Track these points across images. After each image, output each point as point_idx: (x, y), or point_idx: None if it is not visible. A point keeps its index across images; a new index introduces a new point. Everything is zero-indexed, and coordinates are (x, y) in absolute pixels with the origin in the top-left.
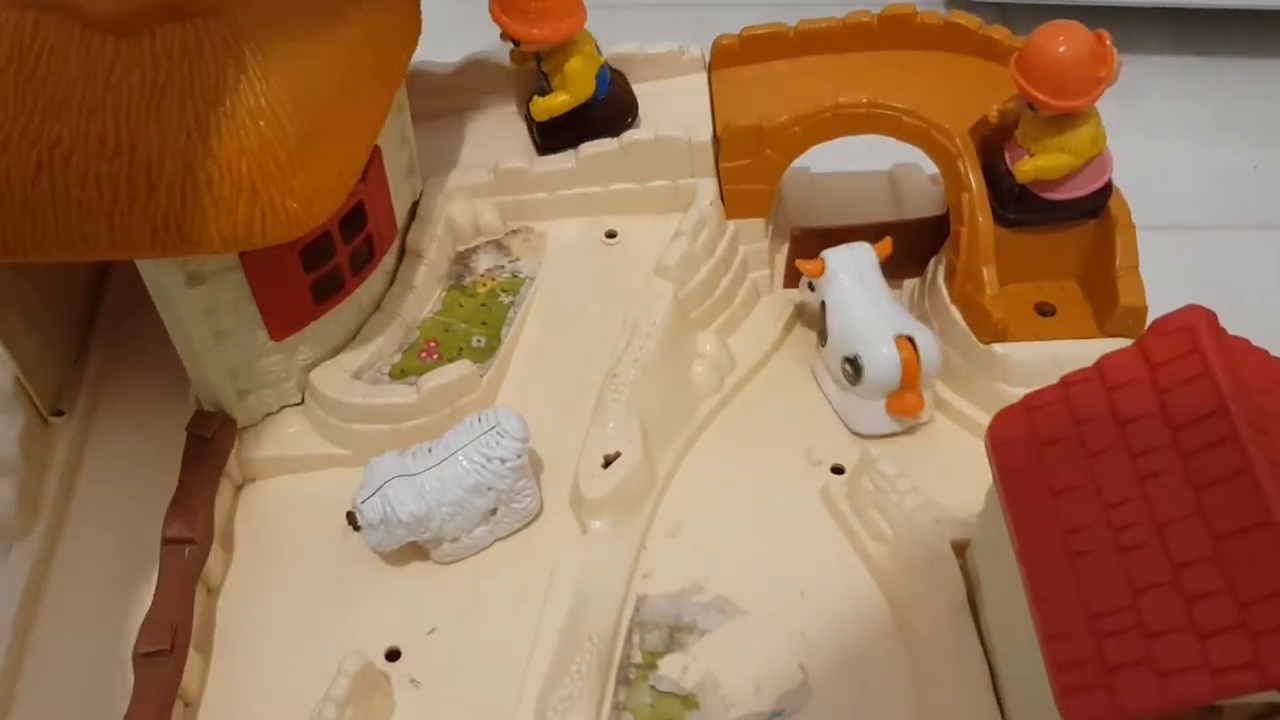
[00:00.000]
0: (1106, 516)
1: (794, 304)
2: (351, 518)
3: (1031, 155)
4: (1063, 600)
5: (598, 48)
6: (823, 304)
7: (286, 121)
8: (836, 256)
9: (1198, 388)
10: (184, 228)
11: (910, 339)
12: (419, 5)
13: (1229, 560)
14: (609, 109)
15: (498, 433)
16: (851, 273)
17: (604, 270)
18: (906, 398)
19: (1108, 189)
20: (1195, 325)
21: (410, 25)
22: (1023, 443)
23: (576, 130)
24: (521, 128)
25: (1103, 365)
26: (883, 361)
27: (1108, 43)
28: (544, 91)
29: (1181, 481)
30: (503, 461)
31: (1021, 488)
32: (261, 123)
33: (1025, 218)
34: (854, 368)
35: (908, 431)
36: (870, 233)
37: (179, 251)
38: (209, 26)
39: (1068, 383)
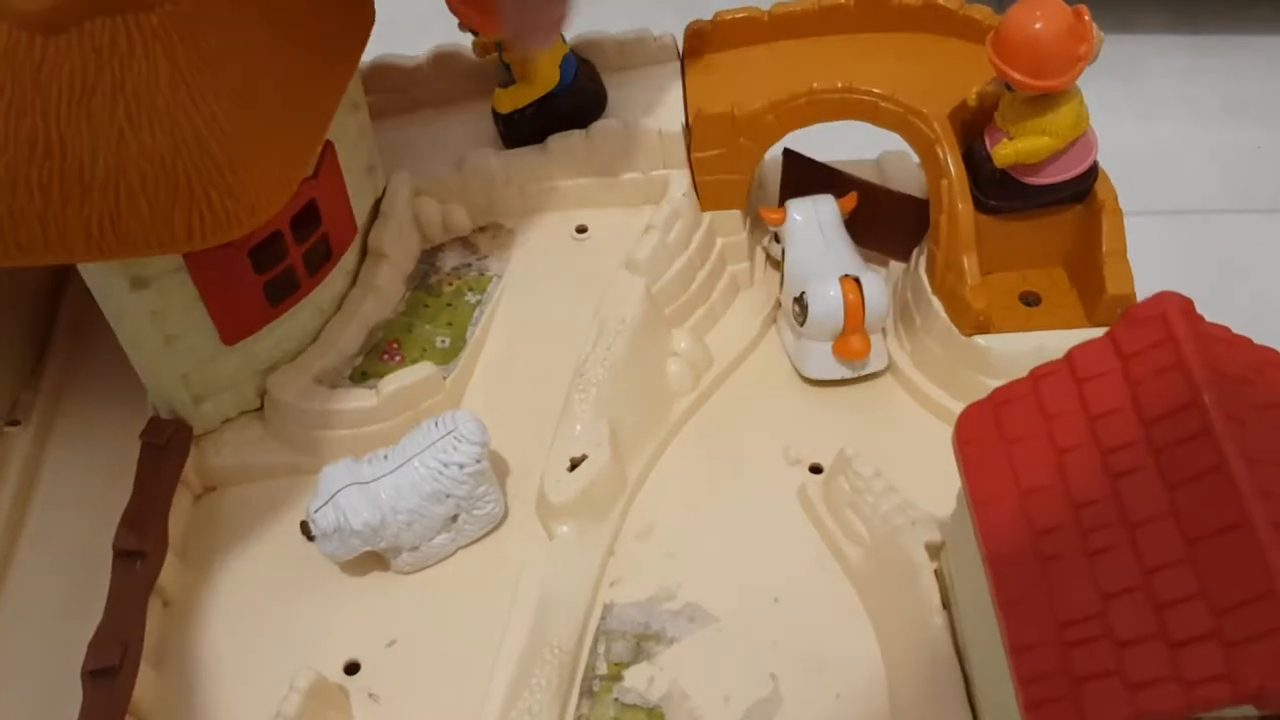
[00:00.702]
0: (1076, 518)
1: (774, 297)
2: (305, 527)
3: (1011, 138)
4: (1031, 608)
5: (563, 36)
6: (783, 251)
7: (224, 118)
8: (798, 204)
9: (1171, 379)
10: (120, 231)
11: (856, 280)
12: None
13: (1202, 564)
14: (576, 99)
15: (455, 437)
16: (811, 220)
17: (574, 267)
18: (851, 340)
19: (1093, 172)
20: (1169, 313)
21: (361, 18)
22: (990, 440)
23: (543, 122)
24: (489, 121)
25: (1072, 357)
26: (827, 301)
27: (1086, 18)
28: (507, 83)
29: (1154, 479)
30: (460, 467)
31: (989, 488)
32: (197, 120)
33: (1007, 204)
34: (801, 306)
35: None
36: (860, 187)
37: (116, 255)
38: (140, 21)
39: (1036, 376)
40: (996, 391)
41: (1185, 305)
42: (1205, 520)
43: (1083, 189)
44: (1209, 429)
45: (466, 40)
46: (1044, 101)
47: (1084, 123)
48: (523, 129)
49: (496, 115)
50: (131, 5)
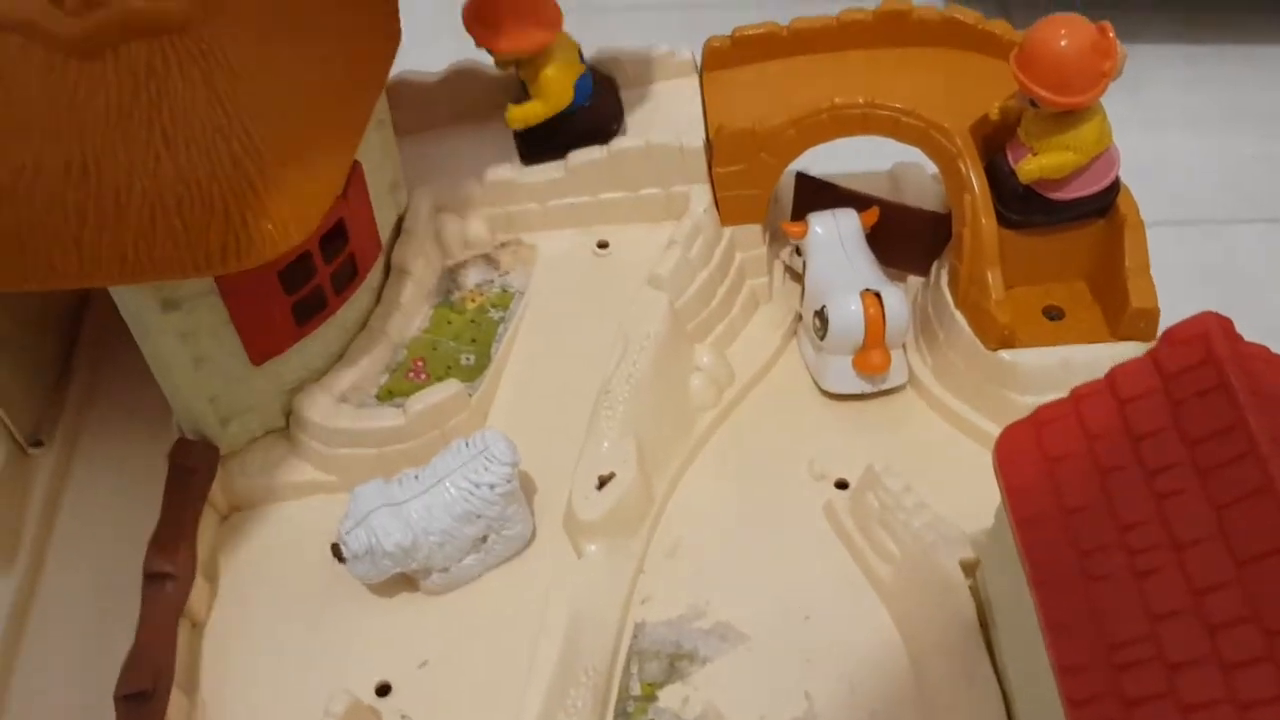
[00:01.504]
0: (1122, 538)
1: (794, 310)
2: (336, 549)
3: (1035, 154)
4: (1078, 629)
5: (580, 55)
6: (804, 264)
7: (259, 140)
8: (820, 218)
9: (1213, 400)
10: (154, 253)
11: (877, 295)
12: (398, 16)
13: (1252, 586)
14: (592, 117)
15: (486, 458)
16: (832, 233)
17: (596, 282)
18: (871, 354)
19: (1115, 187)
20: (1210, 333)
21: (388, 38)
22: (1032, 460)
23: (559, 139)
24: (509, 136)
25: (1114, 376)
26: (847, 314)
27: (1111, 35)
28: (521, 100)
29: (1200, 501)
30: (491, 488)
31: (1032, 508)
32: (233, 142)
33: (1030, 219)
34: (821, 320)
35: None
36: (872, 205)
37: (150, 278)
38: (175, 44)
39: (1078, 396)
40: (1038, 411)
41: (1226, 325)
42: (1254, 542)
43: (1105, 204)
44: (1254, 450)
45: (485, 56)
46: (1068, 117)
47: (1107, 138)
48: (538, 145)
49: (515, 131)
50: (166, 29)
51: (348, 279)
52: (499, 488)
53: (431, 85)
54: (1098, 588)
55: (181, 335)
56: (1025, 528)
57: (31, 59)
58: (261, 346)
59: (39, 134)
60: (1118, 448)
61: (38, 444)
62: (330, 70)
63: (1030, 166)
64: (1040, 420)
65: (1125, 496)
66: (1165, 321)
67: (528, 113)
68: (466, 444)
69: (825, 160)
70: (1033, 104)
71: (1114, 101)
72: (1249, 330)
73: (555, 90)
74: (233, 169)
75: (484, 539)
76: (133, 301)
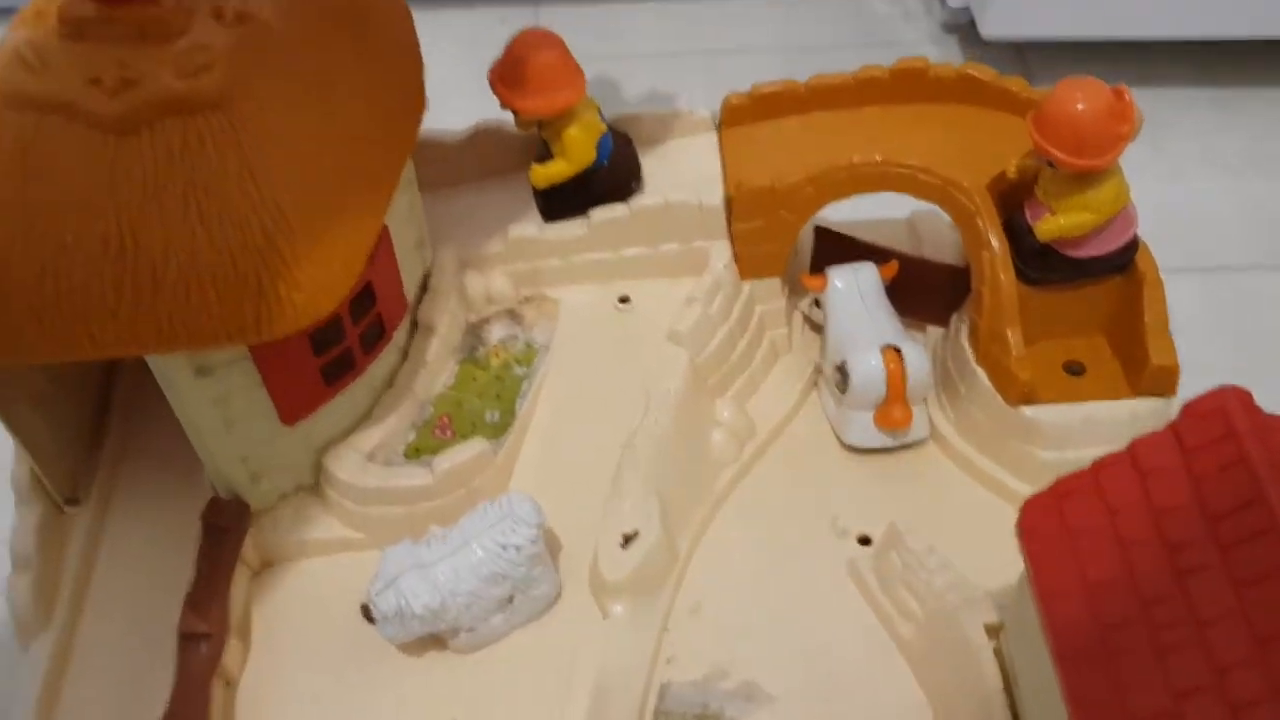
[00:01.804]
0: (1145, 613)
1: (813, 361)
2: (366, 610)
3: (1053, 213)
4: (1101, 703)
5: (601, 114)
6: (824, 317)
7: (290, 213)
8: (840, 272)
9: (1234, 475)
10: (189, 325)
11: (898, 350)
12: (423, 85)
13: (1274, 665)
14: (612, 176)
15: (512, 520)
16: (852, 287)
17: (618, 337)
18: (892, 410)
19: (1134, 244)
20: (1229, 408)
21: (414, 106)
22: (1055, 532)
23: (580, 197)
24: (530, 193)
25: (1134, 450)
26: (868, 370)
27: (1128, 98)
28: (544, 159)
29: (1222, 577)
30: (518, 549)
31: (1055, 581)
32: (264, 216)
33: (1049, 276)
34: (842, 375)
35: (934, 502)
36: (891, 258)
37: (185, 348)
38: (209, 121)
39: (1098, 468)
40: (1058, 483)
41: (1245, 399)
42: (1274, 620)
43: (1124, 261)
44: (1275, 527)
45: (507, 114)
46: (1086, 178)
47: (1124, 198)
48: (559, 203)
49: (536, 189)
50: (202, 106)
51: (375, 339)
52: (525, 549)
53: (455, 143)
54: (1120, 662)
55: (214, 399)
56: (1048, 601)
57: (71, 138)
58: (292, 407)
59: (78, 210)
60: (1139, 522)
61: (73, 502)
62: (358, 141)
63: (1048, 226)
64: (1062, 492)
65: (1147, 571)
66: (1188, 370)
67: (552, 172)
68: (493, 505)
69: (845, 208)
70: (1050, 164)
71: (1136, 147)
72: (1273, 379)
73: (579, 150)
74: (264, 242)
75: (510, 599)
76: (167, 368)
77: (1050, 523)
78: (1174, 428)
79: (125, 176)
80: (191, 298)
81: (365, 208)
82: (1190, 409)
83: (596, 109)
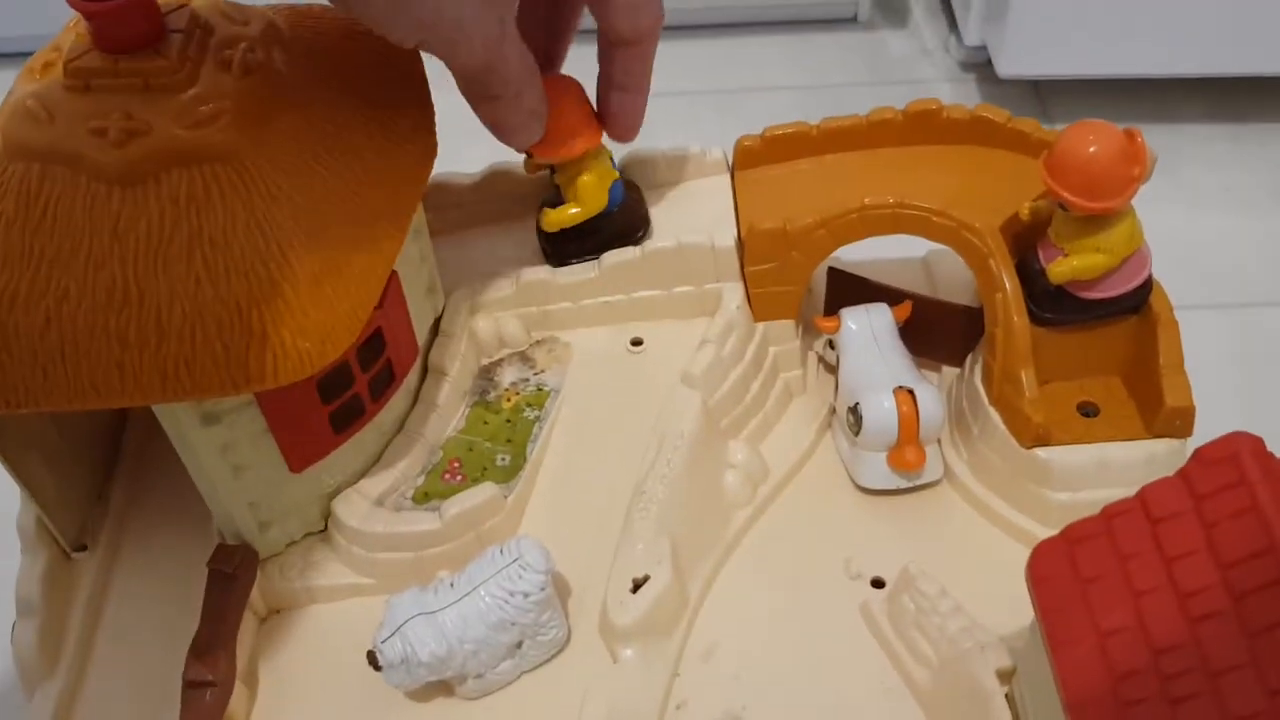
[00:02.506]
0: (1156, 663)
1: (828, 402)
2: (372, 658)
3: (1066, 254)
4: None
5: (613, 160)
6: (837, 359)
7: (296, 262)
8: (853, 313)
9: (1246, 523)
10: (195, 374)
11: (911, 392)
12: (434, 133)
13: None
14: (620, 222)
15: (520, 566)
16: (865, 329)
17: (630, 379)
18: (906, 451)
19: (1147, 285)
20: (1241, 455)
21: (424, 153)
22: (1065, 579)
23: (587, 243)
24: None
25: (1145, 496)
26: (881, 412)
27: (1139, 140)
28: (555, 203)
29: (1234, 627)
30: (526, 596)
31: (1066, 630)
32: (270, 265)
33: (1062, 317)
34: (855, 417)
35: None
36: (905, 298)
37: (190, 397)
38: (216, 171)
39: (1109, 514)
40: (1069, 529)
41: (1257, 446)
42: None
43: (1138, 302)
44: None
45: (518, 158)
46: (1099, 220)
47: (1138, 239)
48: (567, 248)
49: (541, 233)
50: (208, 157)
51: (385, 385)
52: (533, 596)
53: (467, 187)
54: (1132, 713)
55: (221, 447)
56: (1060, 650)
57: (77, 188)
58: (300, 455)
59: (83, 260)
60: (1151, 568)
61: (81, 548)
62: (367, 187)
63: (1061, 268)
64: (1072, 538)
65: (1159, 619)
66: (1206, 408)
67: (564, 217)
68: (501, 551)
69: (860, 249)
70: (1063, 207)
71: (1154, 184)
72: None
73: (592, 196)
74: (271, 291)
75: (519, 645)
76: (173, 417)
77: (1061, 569)
78: (1184, 474)
79: (130, 227)
80: (196, 347)
81: (374, 254)
82: (1201, 455)
83: (609, 155)
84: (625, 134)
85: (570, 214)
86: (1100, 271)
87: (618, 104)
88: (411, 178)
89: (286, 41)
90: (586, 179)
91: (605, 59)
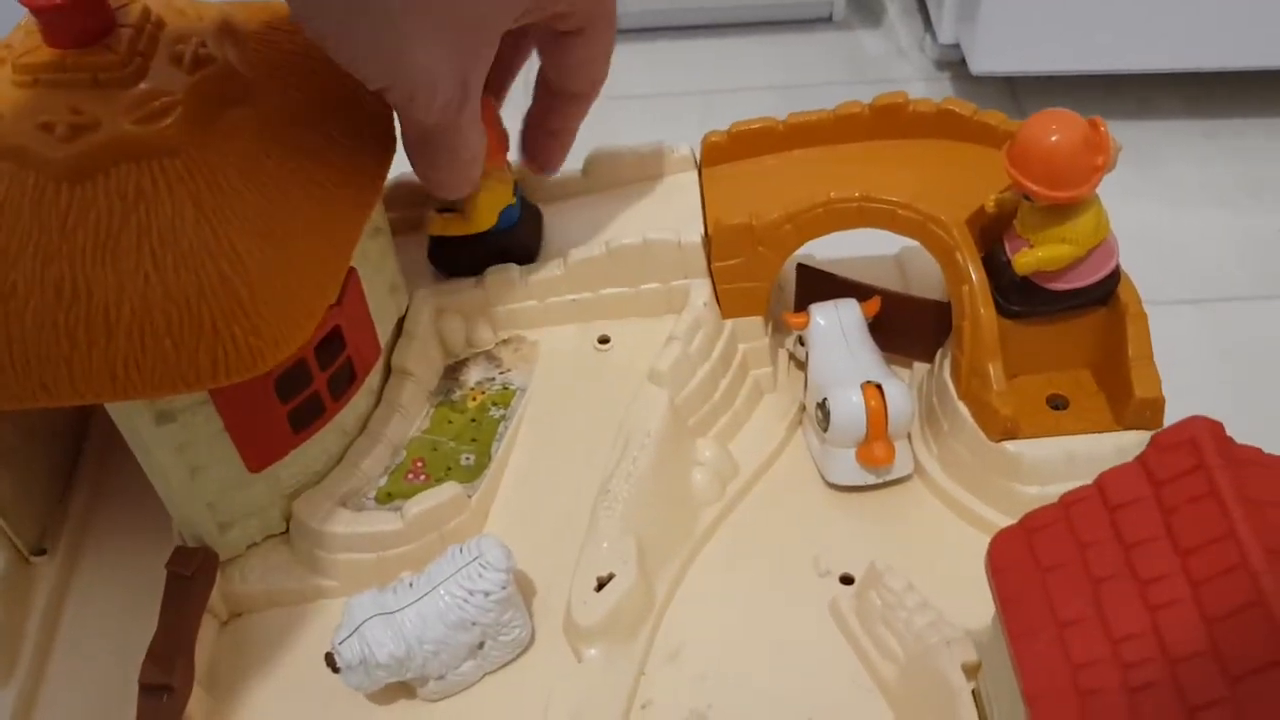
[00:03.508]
0: (1115, 652)
1: (799, 400)
2: (330, 659)
3: (1031, 246)
4: None
5: (516, 188)
6: (806, 355)
7: (247, 257)
8: (822, 309)
9: (1204, 508)
10: (145, 371)
11: (879, 387)
12: (393, 130)
13: (1245, 704)
14: (505, 244)
15: (480, 564)
16: (834, 324)
17: (597, 378)
18: (874, 447)
19: (1115, 276)
20: (1199, 439)
21: (383, 149)
22: (1024, 568)
23: (470, 257)
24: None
25: (1103, 483)
26: (848, 407)
27: (1103, 129)
28: (446, 210)
29: (1193, 614)
30: (486, 595)
31: (1025, 620)
32: (220, 261)
33: (1029, 309)
34: (823, 413)
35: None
36: (874, 294)
37: (141, 395)
38: (164, 166)
39: (1067, 502)
40: (1027, 518)
41: (1215, 430)
42: (1247, 657)
43: (1105, 292)
44: (1246, 562)
45: None
46: (1063, 210)
47: (1104, 230)
48: (447, 257)
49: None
50: (156, 152)
51: (345, 384)
52: (494, 595)
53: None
54: (1092, 703)
55: (177, 447)
56: (1019, 640)
57: (24, 184)
58: (258, 455)
59: (30, 256)
60: (1109, 556)
61: (41, 552)
62: (322, 185)
63: (1027, 259)
64: (1031, 527)
65: (1118, 608)
66: (1180, 401)
67: (447, 225)
68: (461, 550)
69: (833, 245)
70: (1027, 197)
71: (1129, 177)
72: (1269, 409)
73: (478, 214)
74: (221, 287)
75: (481, 645)
76: (127, 416)
77: (1020, 558)
78: (1143, 460)
79: (79, 223)
80: (146, 345)
81: (329, 250)
82: (1159, 440)
83: (513, 181)
84: (548, 170)
85: (453, 225)
86: (1066, 262)
87: (545, 147)
88: (369, 175)
89: (241, 37)
90: (479, 197)
91: (544, 107)
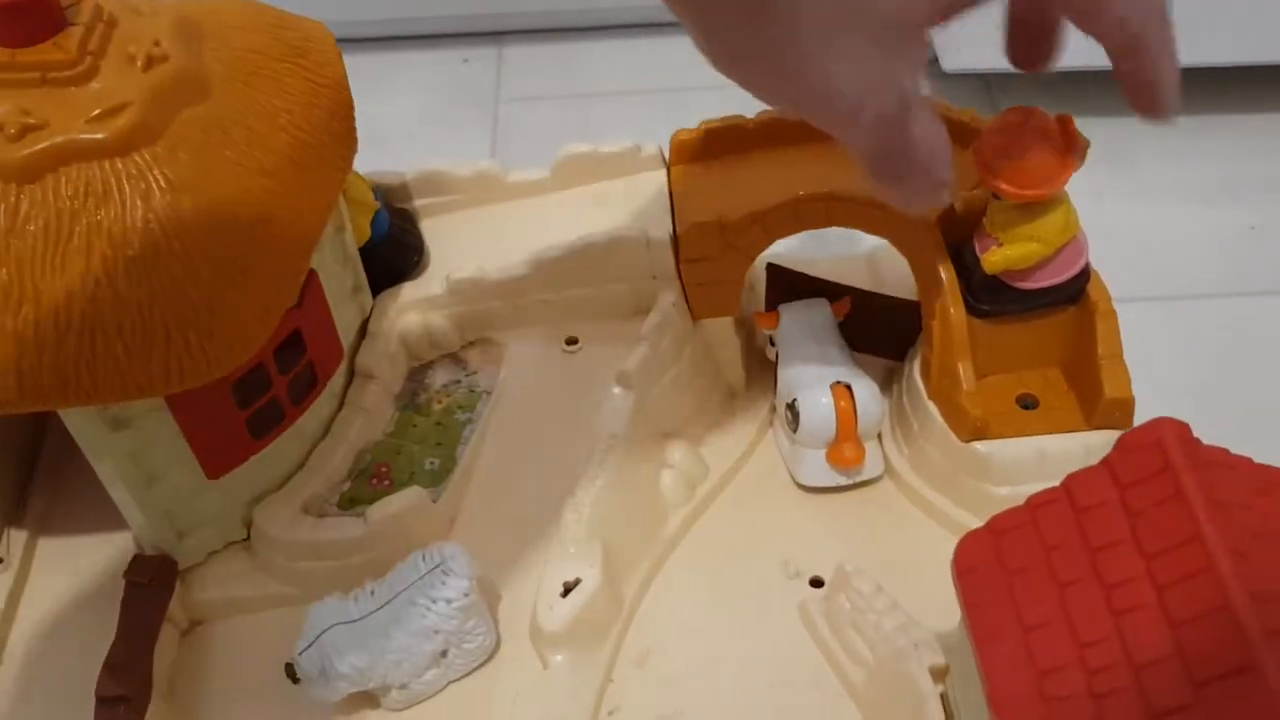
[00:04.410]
0: (1081, 656)
1: (769, 401)
2: (291, 670)
3: (1000, 245)
4: None
5: (375, 194)
6: (776, 355)
7: (200, 260)
8: (792, 309)
9: (1170, 511)
10: (95, 377)
11: (848, 387)
12: (354, 128)
13: (1211, 710)
14: (391, 253)
15: (442, 571)
16: (804, 324)
17: (565, 380)
18: (843, 448)
19: (1085, 274)
20: (1165, 440)
21: (343, 147)
22: (990, 571)
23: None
24: (476, 235)
25: (1070, 485)
26: (817, 407)
27: (1072, 126)
28: None
29: (1159, 618)
30: (449, 602)
31: (990, 624)
32: (173, 264)
33: (999, 308)
34: (793, 413)
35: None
36: (845, 294)
37: (92, 401)
38: (114, 166)
39: (1034, 505)
40: (994, 520)
41: (1182, 431)
42: (1212, 663)
43: (1075, 291)
44: (1212, 565)
45: (453, 158)
46: (1032, 208)
47: (1073, 228)
48: None
49: None
50: (107, 152)
51: (306, 388)
52: (456, 602)
53: (399, 185)
54: (1056, 708)
55: (132, 453)
56: (984, 644)
57: None
58: (216, 461)
59: None
60: (1075, 560)
61: None
62: (278, 184)
63: (995, 258)
64: (997, 530)
65: (1083, 612)
66: (1155, 400)
67: None
68: (423, 557)
69: (806, 244)
70: (996, 196)
71: (1103, 175)
72: (1244, 406)
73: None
74: (174, 291)
75: (444, 653)
76: (80, 422)
77: (986, 561)
78: (1108, 462)
79: (27, 224)
80: (96, 350)
81: (287, 252)
82: (1125, 442)
83: (369, 187)
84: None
85: None
86: (1035, 260)
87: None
88: (330, 173)
89: (199, 35)
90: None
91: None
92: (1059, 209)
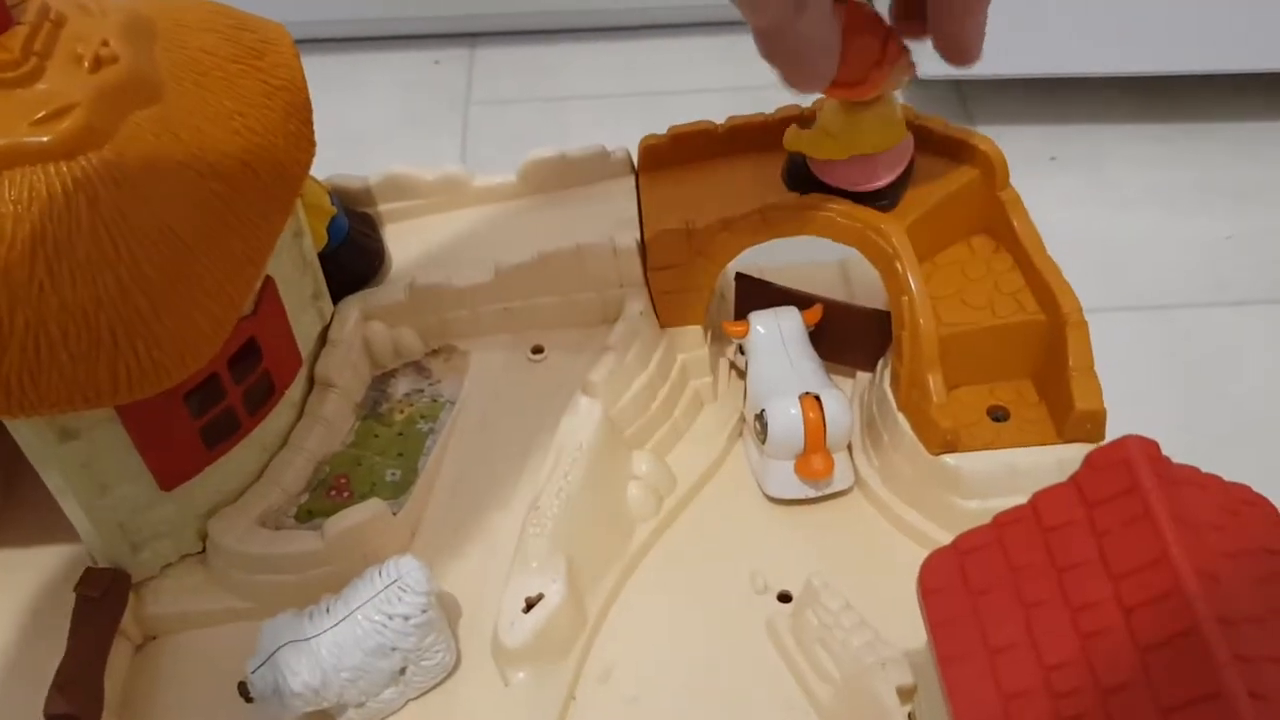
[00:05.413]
0: (1046, 680)
1: (739, 411)
2: (244, 689)
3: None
4: None
5: (332, 199)
6: (746, 364)
7: (148, 266)
8: (762, 318)
9: (1138, 531)
10: (41, 386)
11: (817, 398)
12: (311, 131)
13: None
14: (352, 258)
15: (399, 587)
16: (774, 333)
17: (530, 390)
18: (812, 460)
19: (885, 193)
20: (1133, 459)
21: (300, 150)
22: (955, 592)
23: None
24: (440, 240)
25: (1037, 503)
26: (785, 418)
27: (895, 45)
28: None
29: (1125, 641)
30: (406, 619)
31: (956, 645)
32: (120, 270)
33: (797, 187)
34: (761, 424)
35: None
36: (816, 303)
37: (38, 411)
38: (61, 169)
39: (1000, 523)
40: (960, 539)
41: (1150, 450)
42: (1179, 689)
43: (878, 203)
44: (1179, 588)
45: (419, 162)
46: (850, 108)
47: (879, 144)
48: None
49: None
50: (52, 156)
51: (263, 398)
52: (414, 619)
53: (358, 190)
54: None
55: (82, 464)
56: (949, 666)
57: None
58: (169, 472)
59: None
60: (1042, 580)
61: None
62: (229, 187)
63: (792, 134)
64: (963, 549)
65: (1049, 634)
66: (1131, 411)
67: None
68: (380, 572)
69: (778, 251)
70: None
71: (1077, 182)
72: (1219, 417)
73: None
74: (120, 298)
75: (402, 671)
76: (28, 432)
77: (952, 581)
78: (1076, 480)
79: None
80: (41, 358)
81: (241, 257)
82: (1093, 460)
83: (326, 192)
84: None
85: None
86: (824, 155)
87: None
88: (287, 175)
89: (150, 34)
90: (863, 118)
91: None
92: (868, 117)
